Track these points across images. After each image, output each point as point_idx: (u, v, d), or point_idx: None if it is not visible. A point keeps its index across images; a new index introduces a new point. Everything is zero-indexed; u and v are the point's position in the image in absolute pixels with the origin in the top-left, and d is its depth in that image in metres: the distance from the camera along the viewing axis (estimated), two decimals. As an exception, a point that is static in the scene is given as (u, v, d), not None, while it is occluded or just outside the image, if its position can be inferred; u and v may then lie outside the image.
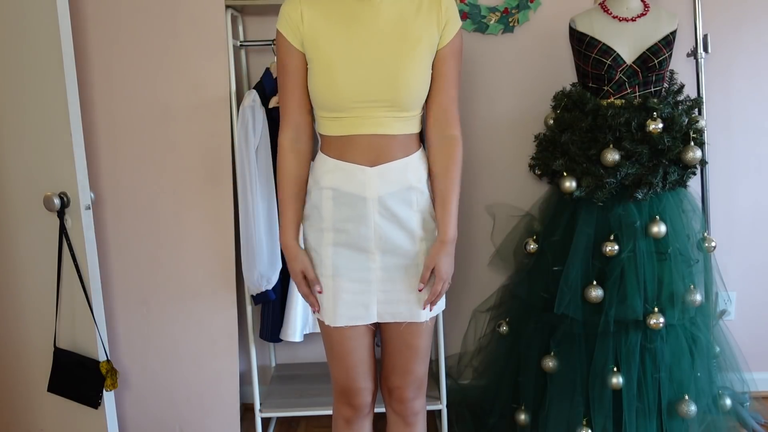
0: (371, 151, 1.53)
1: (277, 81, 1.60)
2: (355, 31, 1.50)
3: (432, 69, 1.55)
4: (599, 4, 2.17)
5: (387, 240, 1.56)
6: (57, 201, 1.85)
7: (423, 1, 1.54)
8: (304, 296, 1.62)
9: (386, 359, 1.69)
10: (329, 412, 2.12)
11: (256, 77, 2.29)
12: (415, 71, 1.51)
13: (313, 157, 1.63)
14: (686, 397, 1.99)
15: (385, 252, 1.57)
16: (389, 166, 1.53)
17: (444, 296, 1.64)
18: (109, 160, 2.22)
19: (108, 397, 1.97)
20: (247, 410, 2.60)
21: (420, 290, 1.58)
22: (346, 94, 1.49)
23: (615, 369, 2.01)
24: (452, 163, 1.57)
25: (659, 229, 2.01)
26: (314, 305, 1.61)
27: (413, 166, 1.57)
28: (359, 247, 1.56)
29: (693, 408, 1.98)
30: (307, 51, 1.52)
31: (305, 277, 1.60)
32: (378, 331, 1.70)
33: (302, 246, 1.64)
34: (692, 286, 2.03)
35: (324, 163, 1.58)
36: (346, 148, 1.54)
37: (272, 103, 2.13)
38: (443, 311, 2.48)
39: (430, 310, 1.61)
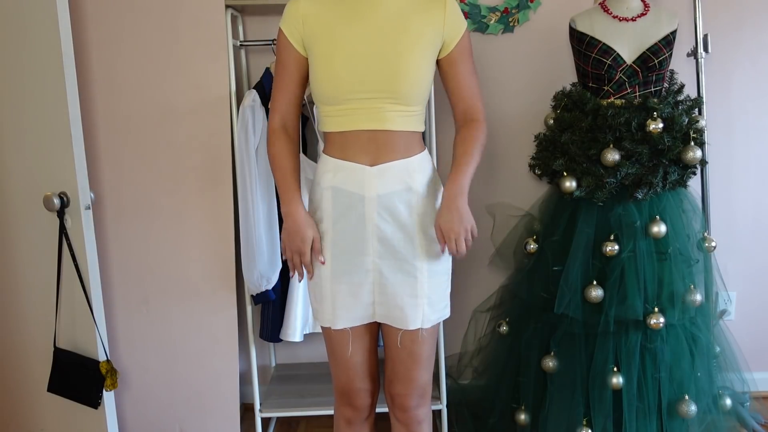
0: (372, 148, 1.53)
1: (273, 75, 1.63)
2: (355, 26, 1.52)
3: (446, 74, 1.60)
4: (599, 3, 2.17)
5: (385, 242, 1.55)
6: (57, 201, 1.85)
7: (426, 1, 1.56)
8: (305, 265, 1.57)
9: (388, 365, 1.67)
10: (329, 412, 2.12)
11: (256, 77, 2.28)
12: (416, 64, 1.51)
13: (315, 160, 1.64)
14: (686, 397, 1.99)
15: (382, 256, 1.56)
16: (389, 166, 1.53)
17: (448, 303, 1.63)
18: (109, 160, 2.22)
19: (108, 397, 1.97)
20: (247, 410, 2.60)
21: (441, 252, 1.56)
22: (346, 86, 1.50)
23: (615, 369, 2.01)
24: (470, 136, 1.58)
25: (659, 229, 2.01)
26: (310, 272, 1.59)
27: (414, 168, 1.56)
28: (357, 249, 1.56)
29: (693, 408, 1.98)
30: (308, 47, 1.55)
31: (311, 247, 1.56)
32: (380, 331, 1.70)
33: None
34: (692, 286, 2.03)
35: (325, 164, 1.59)
36: (348, 146, 1.54)
37: (272, 103, 2.13)
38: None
39: (455, 254, 1.52)
